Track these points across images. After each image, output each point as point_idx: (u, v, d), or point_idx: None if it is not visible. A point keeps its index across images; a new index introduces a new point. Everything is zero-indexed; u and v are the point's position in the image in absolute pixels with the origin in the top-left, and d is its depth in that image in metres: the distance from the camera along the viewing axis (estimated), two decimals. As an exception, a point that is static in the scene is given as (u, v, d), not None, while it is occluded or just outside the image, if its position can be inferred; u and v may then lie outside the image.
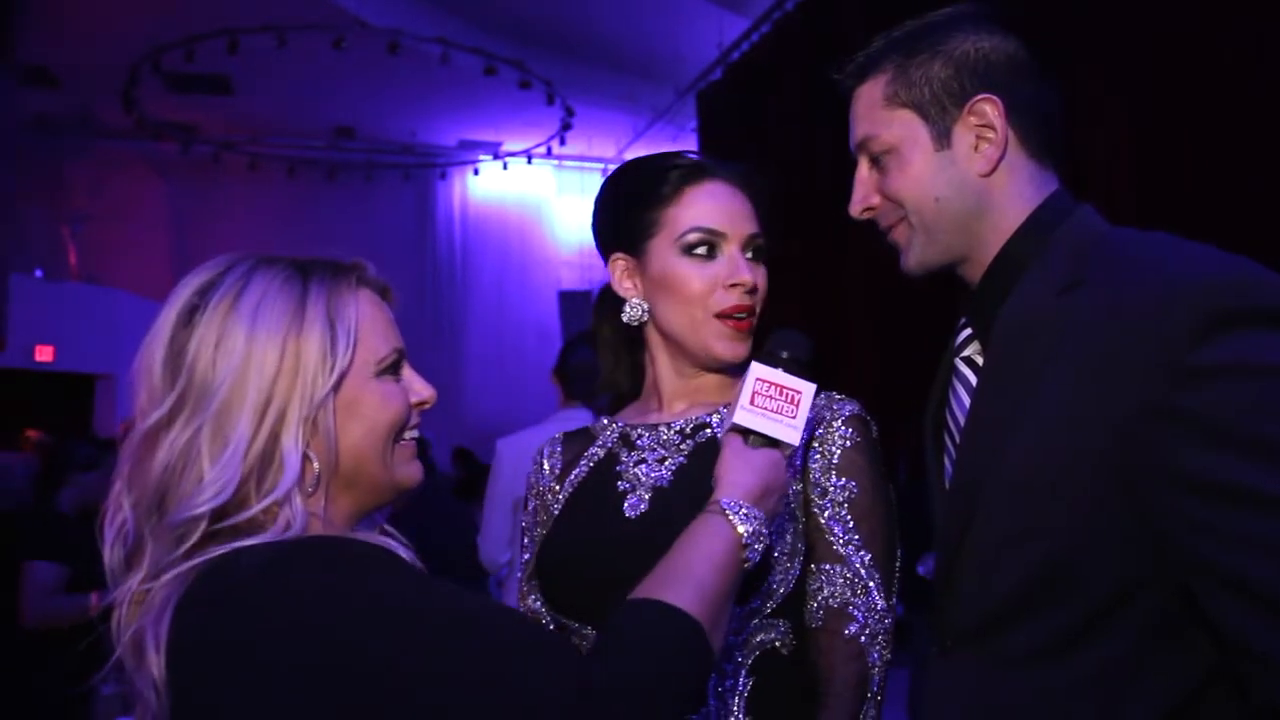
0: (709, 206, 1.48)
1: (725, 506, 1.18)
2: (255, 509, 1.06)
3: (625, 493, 1.48)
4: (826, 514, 1.42)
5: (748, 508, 1.19)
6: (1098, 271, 1.18)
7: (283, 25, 9.84)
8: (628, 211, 1.52)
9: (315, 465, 1.11)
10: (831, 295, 6.93)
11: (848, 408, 1.47)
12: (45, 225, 12.02)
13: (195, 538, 1.06)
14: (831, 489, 1.43)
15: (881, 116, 1.31)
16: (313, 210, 13.54)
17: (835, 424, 1.45)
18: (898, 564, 1.46)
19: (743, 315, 1.48)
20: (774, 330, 1.37)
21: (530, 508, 1.64)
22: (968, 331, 1.35)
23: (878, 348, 6.50)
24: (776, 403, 1.29)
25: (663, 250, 1.48)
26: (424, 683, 0.96)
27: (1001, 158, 1.27)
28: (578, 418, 3.90)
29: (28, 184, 10.85)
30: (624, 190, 1.54)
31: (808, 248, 6.96)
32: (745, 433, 1.28)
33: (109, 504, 1.14)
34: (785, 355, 1.32)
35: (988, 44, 1.28)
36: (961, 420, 1.33)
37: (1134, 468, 1.09)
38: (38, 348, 10.78)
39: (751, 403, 1.28)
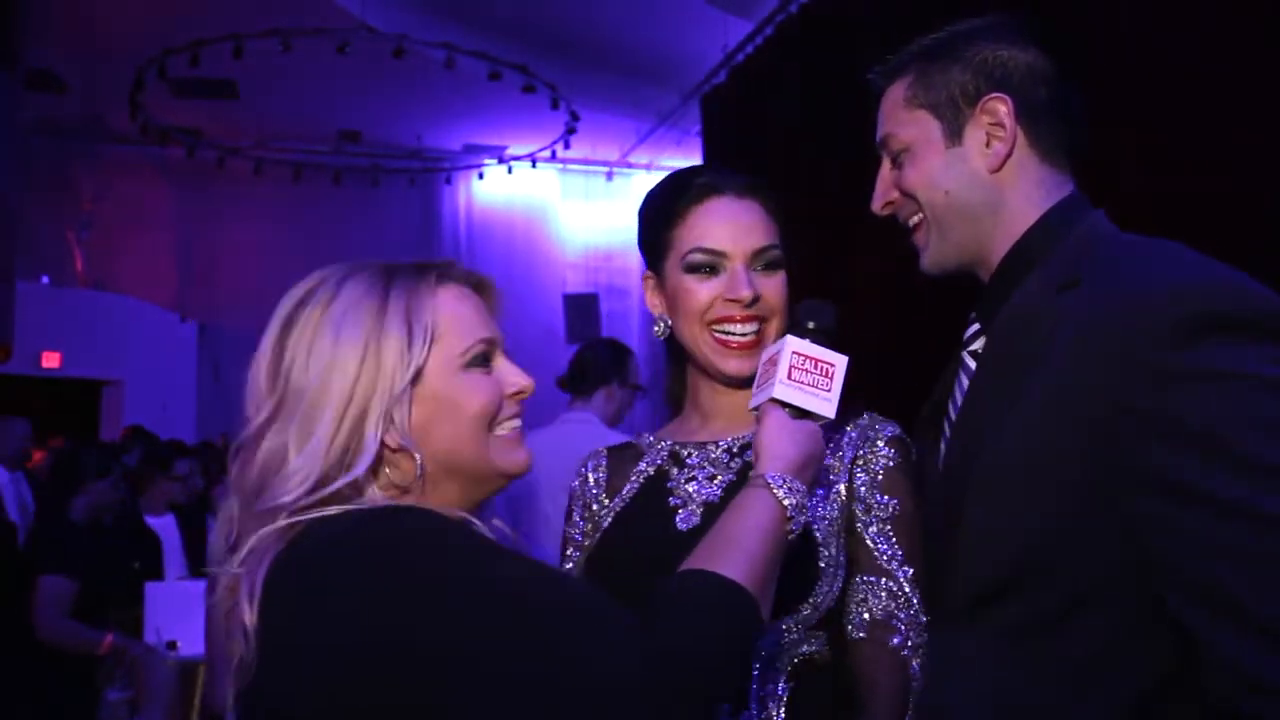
0: (710, 225, 1.52)
1: (770, 480, 1.22)
2: (335, 486, 1.13)
3: (677, 507, 1.53)
4: (871, 529, 1.45)
5: (791, 480, 1.23)
6: (1094, 273, 1.20)
7: (288, 30, 9.86)
8: (649, 232, 1.59)
9: (417, 459, 1.18)
10: (838, 299, 6.92)
11: (889, 429, 1.52)
12: (52, 231, 12.05)
13: (281, 521, 1.13)
14: (875, 505, 1.46)
15: (901, 116, 1.36)
16: (318, 214, 13.55)
17: (879, 444, 1.49)
18: None
19: (740, 331, 1.51)
20: (800, 301, 1.41)
21: (575, 517, 1.67)
22: (976, 326, 1.39)
23: (886, 349, 6.49)
24: (813, 376, 1.32)
25: (673, 270, 1.54)
26: (487, 650, 0.99)
27: (1009, 155, 1.30)
28: (578, 419, 3.91)
29: (34, 189, 10.88)
30: (646, 212, 1.61)
31: (812, 250, 6.95)
32: (782, 405, 1.31)
33: (221, 511, 1.22)
34: (812, 325, 1.36)
35: (1007, 52, 1.32)
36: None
37: (1106, 465, 1.11)
38: (44, 354, 10.82)
39: (789, 376, 1.31)
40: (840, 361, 1.34)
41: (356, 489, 1.15)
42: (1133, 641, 1.15)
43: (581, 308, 11.92)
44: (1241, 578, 1.04)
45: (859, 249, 6.72)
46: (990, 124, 1.31)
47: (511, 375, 1.27)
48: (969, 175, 1.32)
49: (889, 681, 1.40)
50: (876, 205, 1.43)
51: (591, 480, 1.67)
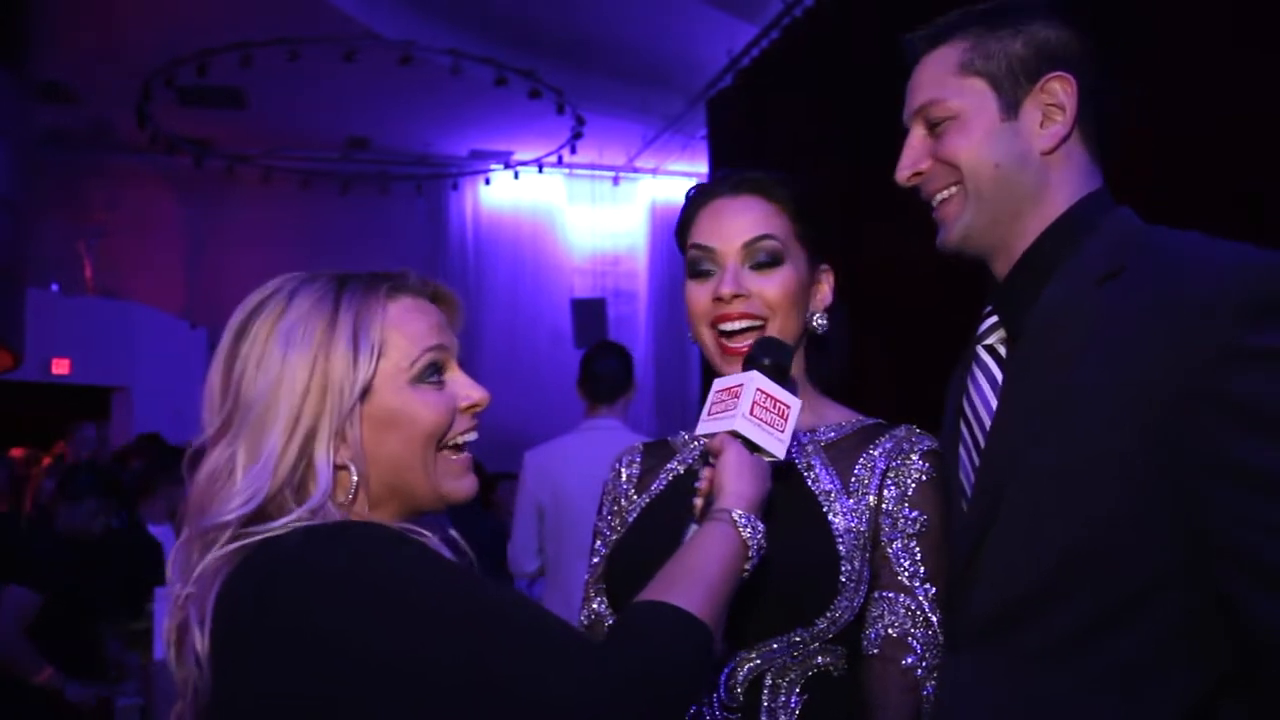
0: (704, 226, 1.54)
1: (735, 518, 1.21)
2: (293, 515, 1.11)
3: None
4: (895, 544, 1.42)
5: (752, 519, 1.22)
6: (1138, 260, 1.17)
7: (295, 38, 9.89)
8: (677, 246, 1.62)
9: (354, 475, 1.16)
10: (842, 302, 6.91)
11: (925, 442, 1.48)
12: (61, 239, 12.09)
13: (223, 542, 1.11)
14: (902, 520, 1.43)
15: (951, 83, 1.31)
16: (326, 222, 13.57)
17: (913, 457, 1.46)
18: None
19: (732, 329, 1.50)
20: (757, 339, 1.43)
21: (605, 512, 1.68)
22: (993, 319, 1.35)
23: (892, 357, 6.47)
24: (770, 415, 1.32)
25: (686, 275, 1.56)
26: (436, 668, 0.99)
27: (1066, 138, 1.28)
28: (605, 426, 3.90)
29: (44, 198, 10.92)
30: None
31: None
32: (735, 437, 1.30)
33: (179, 519, 1.19)
34: (768, 362, 1.36)
35: (1067, 34, 1.29)
36: (981, 410, 1.33)
37: (1176, 451, 1.08)
38: (54, 361, 10.85)
39: (751, 412, 1.30)
40: (795, 404, 1.34)
41: (310, 515, 1.13)
42: (1184, 650, 1.12)
43: (589, 313, 11.91)
44: None
45: (865, 251, 6.71)
46: (1049, 103, 1.27)
47: (464, 388, 1.24)
48: (1021, 153, 1.28)
49: (900, 701, 1.37)
50: (904, 174, 1.37)
51: (624, 476, 1.67)
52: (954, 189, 1.32)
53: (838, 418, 1.57)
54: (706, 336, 1.52)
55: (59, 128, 12.08)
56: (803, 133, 7.96)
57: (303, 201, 13.80)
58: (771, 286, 1.50)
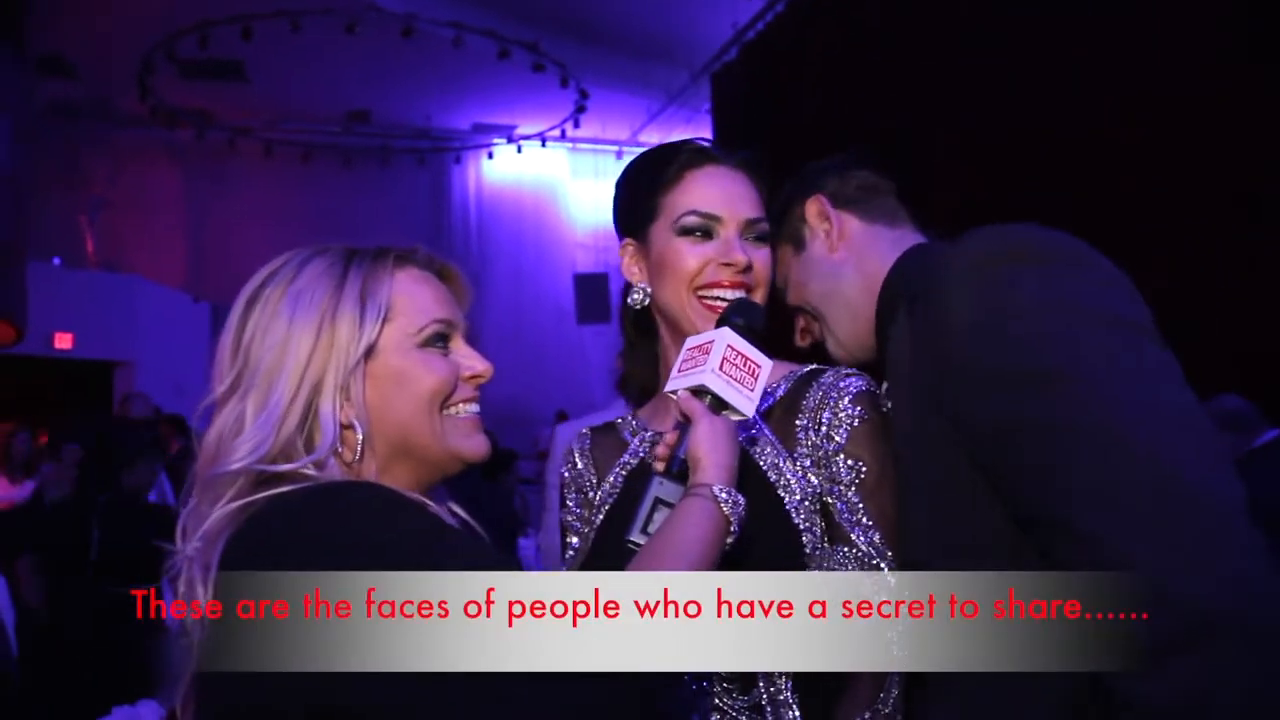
0: (706, 191, 1.51)
1: (716, 493, 1.21)
2: (297, 465, 1.16)
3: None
4: (833, 496, 1.42)
5: (732, 493, 1.22)
6: (920, 288, 1.31)
7: (296, 10, 9.85)
8: (635, 198, 1.57)
9: (359, 433, 1.20)
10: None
11: (854, 384, 1.45)
12: (63, 213, 12.09)
13: (234, 491, 1.15)
14: (839, 470, 1.42)
15: (783, 262, 1.61)
16: (328, 195, 13.56)
17: (843, 403, 1.44)
18: None
19: (728, 297, 1.48)
20: (733, 300, 1.44)
21: (570, 503, 1.66)
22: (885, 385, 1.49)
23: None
24: (740, 372, 1.32)
25: (663, 233, 1.52)
26: None
27: (840, 235, 1.56)
28: None
29: (45, 172, 10.91)
30: (632, 178, 1.60)
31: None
32: (704, 392, 1.30)
33: (189, 482, 1.24)
34: (741, 322, 1.36)
35: (814, 169, 1.63)
36: None
37: (971, 439, 1.17)
38: (56, 335, 10.86)
39: (720, 368, 1.30)
40: (766, 364, 1.33)
41: (317, 467, 1.17)
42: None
43: (592, 287, 11.91)
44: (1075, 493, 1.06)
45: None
46: (818, 219, 1.57)
47: (469, 359, 1.29)
48: (818, 265, 1.57)
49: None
50: (798, 341, 1.65)
51: (580, 465, 1.66)
52: (816, 323, 1.61)
53: (773, 377, 1.51)
54: (688, 299, 1.49)
55: (60, 101, 12.05)
56: (806, 107, 7.93)
57: (305, 175, 13.79)
58: (764, 261, 1.51)
